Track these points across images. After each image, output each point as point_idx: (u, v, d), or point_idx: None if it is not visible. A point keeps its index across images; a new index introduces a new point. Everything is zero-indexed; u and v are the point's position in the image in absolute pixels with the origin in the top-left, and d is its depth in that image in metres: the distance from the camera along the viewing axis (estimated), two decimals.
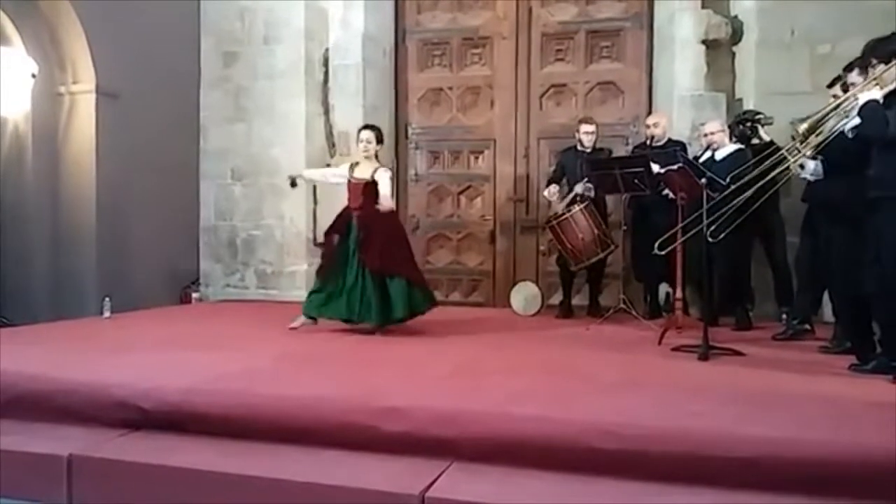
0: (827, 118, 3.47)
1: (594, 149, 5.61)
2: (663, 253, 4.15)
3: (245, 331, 4.77)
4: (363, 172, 4.78)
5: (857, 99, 3.28)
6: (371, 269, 4.56)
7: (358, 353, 4.06)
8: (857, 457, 2.26)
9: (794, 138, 3.60)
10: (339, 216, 4.87)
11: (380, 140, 4.86)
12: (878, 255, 3.24)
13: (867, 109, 3.17)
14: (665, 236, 4.18)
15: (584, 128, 5.61)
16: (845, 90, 3.96)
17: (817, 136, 3.50)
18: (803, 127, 3.49)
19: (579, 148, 5.64)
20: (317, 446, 2.68)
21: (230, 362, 3.54)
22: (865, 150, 3.34)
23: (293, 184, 5.19)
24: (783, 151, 3.73)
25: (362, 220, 4.68)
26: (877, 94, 3.23)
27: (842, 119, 3.43)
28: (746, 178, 3.87)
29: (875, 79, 3.25)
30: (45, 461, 2.69)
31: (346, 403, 2.80)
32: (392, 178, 4.73)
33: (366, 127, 4.95)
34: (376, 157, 4.86)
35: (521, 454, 2.51)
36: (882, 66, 3.22)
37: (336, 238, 4.78)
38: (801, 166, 3.73)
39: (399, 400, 2.78)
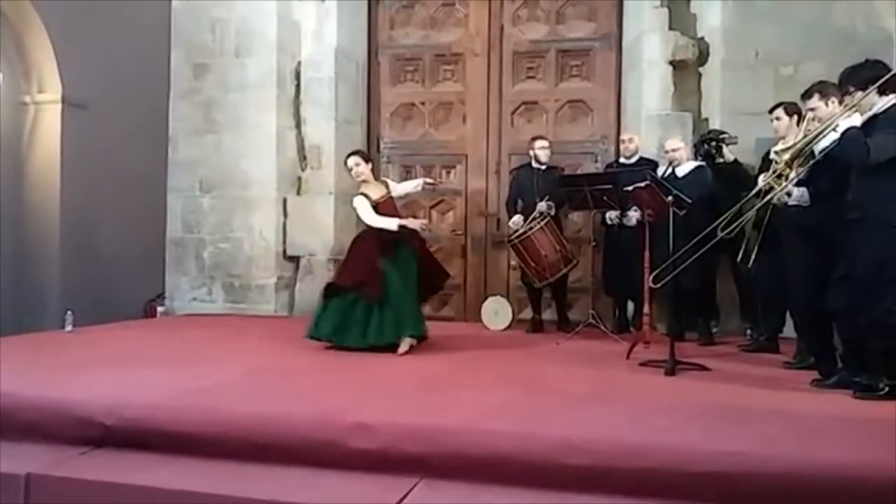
0: (808, 146, 3.57)
1: (549, 166, 5.68)
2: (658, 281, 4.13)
3: (211, 345, 4.70)
4: (378, 191, 4.68)
5: (837, 125, 3.38)
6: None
7: (326, 368, 4.02)
8: (820, 470, 2.30)
9: (775, 165, 3.70)
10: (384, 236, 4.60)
11: (367, 159, 4.79)
12: (849, 273, 3.32)
13: (848, 136, 3.27)
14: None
15: (540, 143, 5.70)
16: (790, 114, 4.13)
17: (799, 164, 3.60)
18: (786, 157, 3.59)
19: (534, 164, 5.72)
20: (284, 464, 2.64)
21: (195, 378, 3.48)
22: (838, 174, 3.44)
23: None
24: (769, 180, 3.78)
25: (411, 238, 4.65)
26: (856, 120, 3.33)
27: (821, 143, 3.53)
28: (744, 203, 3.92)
29: (854, 105, 3.34)
30: (1, 480, 2.61)
31: (314, 420, 2.77)
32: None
33: (349, 155, 4.81)
34: (374, 174, 4.80)
35: (491, 470, 2.50)
36: (860, 94, 3.31)
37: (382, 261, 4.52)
38: (788, 194, 3.81)
39: (368, 416, 2.76)
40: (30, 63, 5.75)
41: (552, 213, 5.46)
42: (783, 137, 4.11)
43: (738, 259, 4.42)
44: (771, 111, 4.33)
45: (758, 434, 2.62)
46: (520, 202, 5.71)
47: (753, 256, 4.37)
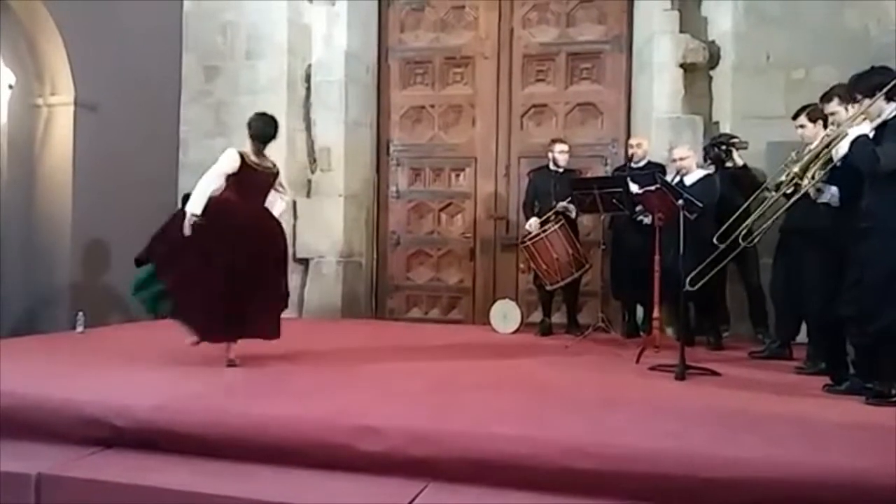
0: (818, 157, 3.55)
1: (566, 169, 5.67)
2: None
3: (221, 347, 4.70)
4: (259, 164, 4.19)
5: (846, 134, 3.36)
6: None
7: (334, 370, 4.03)
8: (829, 477, 2.28)
9: (787, 170, 3.69)
10: None
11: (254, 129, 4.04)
12: (859, 279, 3.31)
13: (857, 145, 3.25)
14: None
15: (559, 147, 5.68)
16: (812, 120, 4.08)
17: (813, 174, 3.58)
18: (795, 169, 3.58)
19: (552, 167, 5.70)
20: (292, 466, 2.65)
21: (205, 379, 3.50)
22: (852, 182, 3.42)
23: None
24: (788, 177, 3.76)
25: None
26: (866, 128, 3.31)
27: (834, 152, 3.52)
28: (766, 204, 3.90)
29: (862, 113, 3.32)
30: (12, 480, 2.63)
31: (322, 422, 2.78)
32: (225, 164, 4.09)
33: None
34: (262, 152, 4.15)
35: (499, 474, 2.50)
36: (868, 101, 3.29)
37: None
38: (819, 190, 3.75)
39: (375, 419, 2.76)
40: (43, 65, 5.77)
41: (572, 214, 5.45)
42: (809, 144, 4.09)
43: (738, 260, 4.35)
44: (794, 118, 4.25)
45: (767, 440, 2.60)
46: (536, 205, 5.70)
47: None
